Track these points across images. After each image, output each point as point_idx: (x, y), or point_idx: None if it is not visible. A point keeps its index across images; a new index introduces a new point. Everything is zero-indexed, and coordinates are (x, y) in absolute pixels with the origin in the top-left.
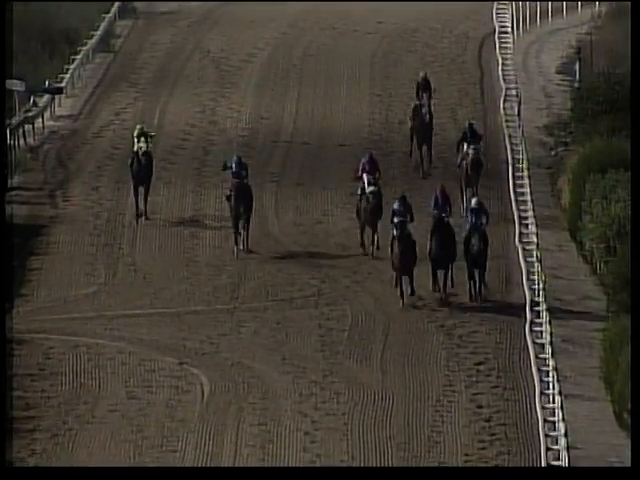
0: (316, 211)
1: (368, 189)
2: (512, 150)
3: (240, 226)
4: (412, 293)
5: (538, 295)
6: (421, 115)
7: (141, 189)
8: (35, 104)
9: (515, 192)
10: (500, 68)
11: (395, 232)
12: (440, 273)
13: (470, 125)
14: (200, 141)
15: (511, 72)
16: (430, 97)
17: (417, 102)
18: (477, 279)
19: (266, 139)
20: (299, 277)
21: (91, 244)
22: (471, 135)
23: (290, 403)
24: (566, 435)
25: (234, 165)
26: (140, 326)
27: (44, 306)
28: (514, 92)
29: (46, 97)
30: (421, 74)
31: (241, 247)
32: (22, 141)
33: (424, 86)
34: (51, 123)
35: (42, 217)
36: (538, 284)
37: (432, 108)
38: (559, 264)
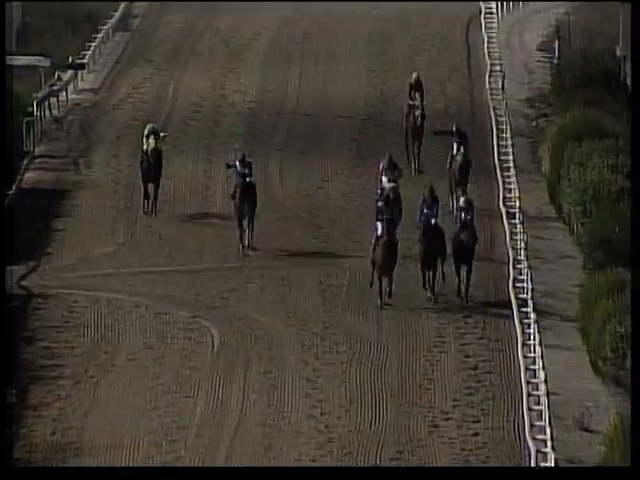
0: (317, 177)
1: (388, 185)
2: (497, 121)
3: (245, 224)
4: (390, 295)
5: (520, 254)
6: (414, 115)
7: (151, 187)
8: (60, 79)
9: (499, 159)
10: (486, 46)
11: (380, 231)
12: (429, 274)
13: (457, 128)
14: (211, 113)
15: (496, 49)
16: (422, 97)
17: (410, 102)
18: (464, 276)
19: (271, 111)
20: (302, 237)
21: (111, 207)
22: (458, 136)
23: (293, 353)
24: (546, 382)
25: (238, 164)
26: (156, 282)
27: (68, 264)
28: (498, 68)
29: (70, 72)
30: (414, 75)
31: (246, 244)
32: (48, 113)
33: (416, 87)
34: (74, 96)
35: (66, 182)
36: (520, 244)
37: (424, 108)
38: (539, 225)
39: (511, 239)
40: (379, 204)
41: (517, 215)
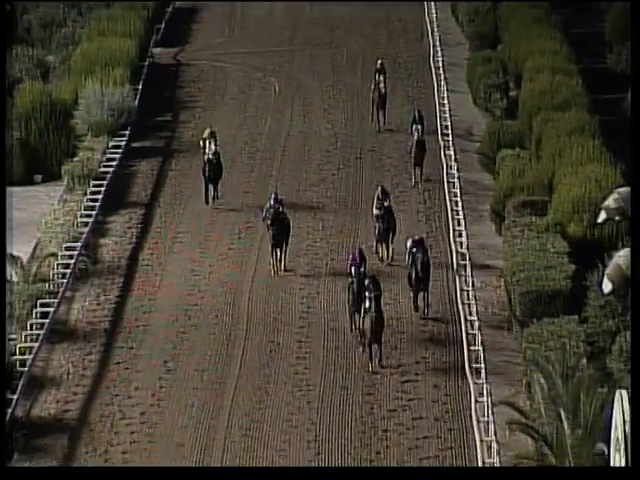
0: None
1: (376, 212)
2: None
3: (278, 252)
4: (380, 359)
5: (439, 62)
6: (379, 90)
7: (212, 185)
8: None
9: (435, 17)
10: None
11: (368, 305)
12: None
13: (418, 111)
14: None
15: None
16: (385, 78)
17: (375, 82)
18: (424, 299)
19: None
20: (327, 38)
21: (222, 20)
22: (419, 119)
23: (322, 109)
24: (452, 126)
25: (272, 201)
26: (247, 57)
27: (199, 48)
28: None
29: None
30: (379, 62)
31: (279, 268)
32: None
33: (381, 70)
34: None
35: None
36: (440, 61)
37: (387, 86)
38: (447, 28)
39: (434, 58)
40: (366, 281)
41: (439, 37)
